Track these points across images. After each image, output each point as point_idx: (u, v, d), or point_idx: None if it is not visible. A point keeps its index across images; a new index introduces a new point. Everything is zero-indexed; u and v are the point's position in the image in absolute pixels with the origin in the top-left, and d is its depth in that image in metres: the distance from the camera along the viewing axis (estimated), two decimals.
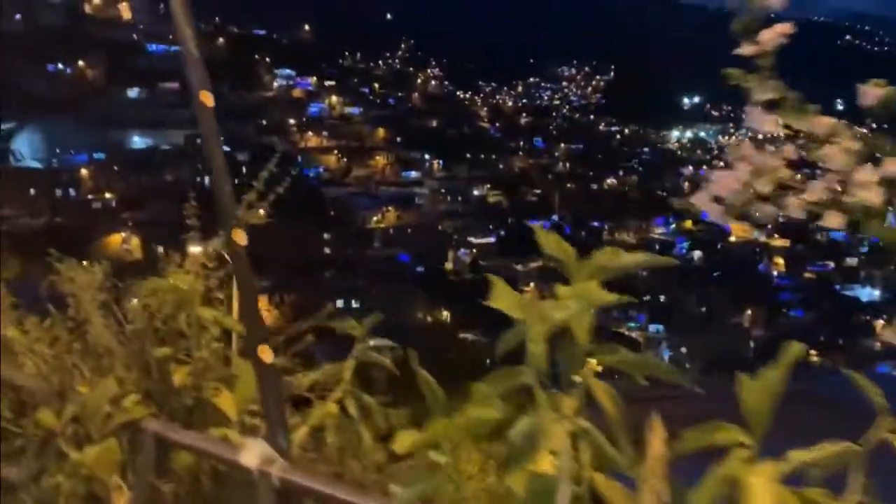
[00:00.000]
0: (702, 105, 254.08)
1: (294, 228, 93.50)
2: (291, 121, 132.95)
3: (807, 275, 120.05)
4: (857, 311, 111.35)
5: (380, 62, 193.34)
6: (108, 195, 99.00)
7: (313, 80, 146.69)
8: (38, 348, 4.00)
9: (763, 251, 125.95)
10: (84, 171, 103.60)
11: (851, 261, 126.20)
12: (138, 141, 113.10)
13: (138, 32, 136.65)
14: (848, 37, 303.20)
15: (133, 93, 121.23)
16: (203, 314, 3.94)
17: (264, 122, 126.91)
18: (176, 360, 3.94)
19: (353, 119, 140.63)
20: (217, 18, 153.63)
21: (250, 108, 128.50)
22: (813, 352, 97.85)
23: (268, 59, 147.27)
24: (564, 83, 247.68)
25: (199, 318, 3.95)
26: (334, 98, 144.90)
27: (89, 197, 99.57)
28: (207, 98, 2.87)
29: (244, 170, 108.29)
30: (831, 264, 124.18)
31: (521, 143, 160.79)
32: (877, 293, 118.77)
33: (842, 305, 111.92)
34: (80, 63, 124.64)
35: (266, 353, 2.62)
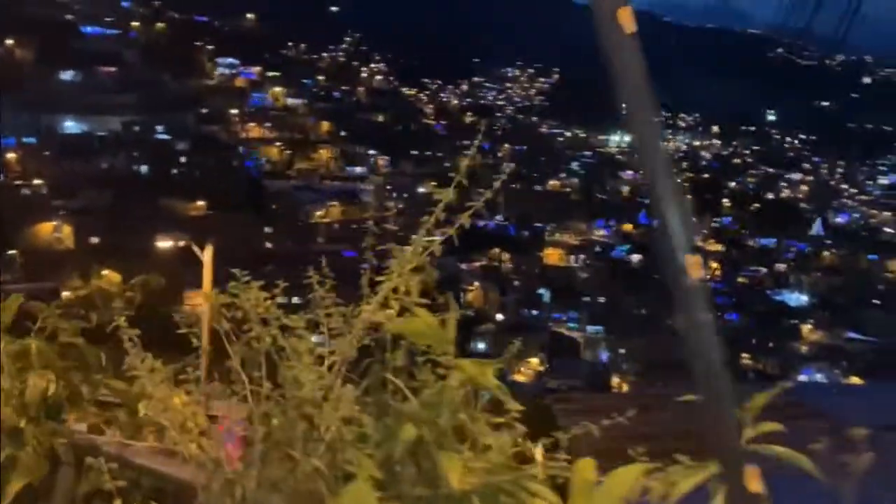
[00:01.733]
0: None
1: (234, 221, 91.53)
2: (233, 111, 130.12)
3: (740, 280, 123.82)
4: (786, 316, 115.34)
5: (324, 55, 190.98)
6: (38, 181, 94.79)
7: (257, 69, 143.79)
8: None
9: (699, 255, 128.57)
10: (12, 156, 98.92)
11: (780, 267, 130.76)
12: (72, 126, 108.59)
13: (73, 13, 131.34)
14: (779, 49, 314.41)
15: (67, 76, 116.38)
16: None
17: (205, 112, 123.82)
18: None
19: (296, 111, 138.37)
20: (157, 2, 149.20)
21: (191, 97, 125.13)
22: (746, 355, 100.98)
23: (210, 47, 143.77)
24: (508, 84, 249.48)
25: None
26: (278, 89, 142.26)
27: (17, 183, 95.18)
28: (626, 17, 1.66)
29: (183, 159, 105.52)
30: (763, 270, 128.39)
31: (466, 141, 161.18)
32: (804, 298, 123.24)
33: (772, 310, 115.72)
34: (9, 42, 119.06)
35: None
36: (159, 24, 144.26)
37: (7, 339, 3.57)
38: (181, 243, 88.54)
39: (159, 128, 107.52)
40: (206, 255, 13.85)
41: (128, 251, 78.32)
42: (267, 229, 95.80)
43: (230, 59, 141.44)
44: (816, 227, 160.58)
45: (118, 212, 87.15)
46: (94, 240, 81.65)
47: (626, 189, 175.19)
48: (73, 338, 3.76)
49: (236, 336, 2.67)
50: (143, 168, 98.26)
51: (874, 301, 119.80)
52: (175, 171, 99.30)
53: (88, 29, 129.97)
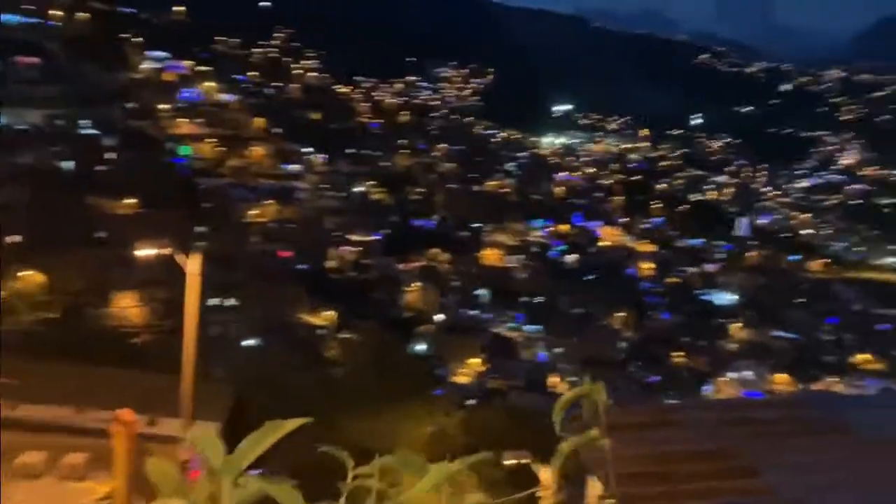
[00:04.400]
0: (572, 113, 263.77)
1: (165, 220, 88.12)
2: (163, 105, 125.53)
3: (671, 279, 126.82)
4: (715, 315, 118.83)
5: (256, 50, 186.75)
6: None
7: (187, 63, 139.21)
8: None
9: (632, 256, 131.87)
10: None
11: (710, 267, 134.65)
12: None
13: None
14: (704, 56, 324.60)
15: None
16: None
17: (133, 106, 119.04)
18: None
19: (229, 107, 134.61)
20: None
21: (118, 90, 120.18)
22: (677, 353, 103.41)
23: (137, 39, 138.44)
24: (443, 84, 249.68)
25: None
26: (209, 84, 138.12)
27: None
28: None
29: (111, 155, 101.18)
30: (693, 270, 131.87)
31: (403, 140, 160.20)
32: (732, 297, 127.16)
33: (702, 309, 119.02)
34: None
35: None
36: (82, 14, 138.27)
37: None
38: (107, 243, 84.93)
39: (84, 122, 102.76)
40: (192, 265, 12.59)
41: (51, 251, 74.54)
42: (199, 228, 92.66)
43: (159, 53, 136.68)
44: (743, 228, 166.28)
45: (40, 209, 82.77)
46: (14, 238, 77.26)
47: (560, 190, 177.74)
48: None
49: None
50: (68, 164, 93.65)
51: (797, 300, 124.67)
52: (102, 167, 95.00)
53: (5, 17, 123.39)
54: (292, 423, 1.40)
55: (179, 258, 12.72)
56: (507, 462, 14.52)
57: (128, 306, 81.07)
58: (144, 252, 12.51)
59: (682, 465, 6.24)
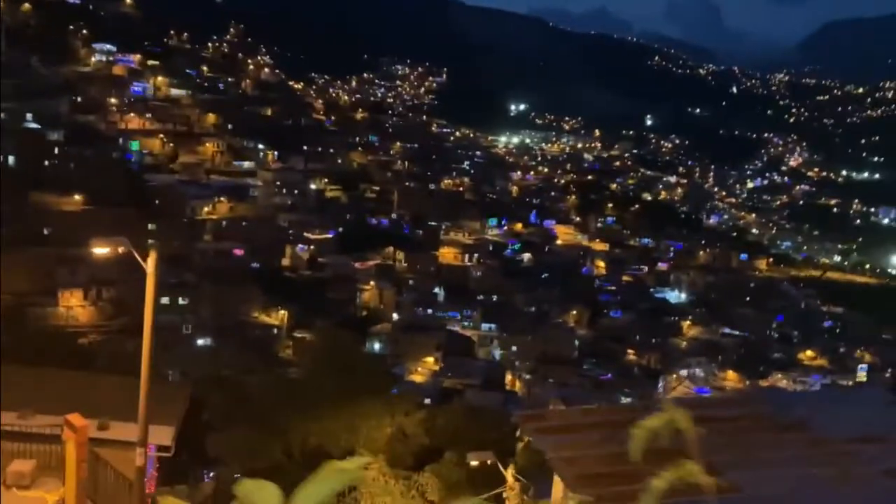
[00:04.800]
0: (527, 113, 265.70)
1: (113, 217, 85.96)
2: (111, 100, 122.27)
3: (624, 278, 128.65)
4: (667, 313, 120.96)
5: (208, 44, 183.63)
6: None
7: (136, 57, 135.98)
8: None
9: (587, 254, 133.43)
10: None
11: (663, 265, 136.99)
12: None
13: None
14: (657, 57, 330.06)
15: None
16: None
17: (80, 100, 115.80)
18: None
19: (180, 102, 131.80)
20: None
21: (64, 84, 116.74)
22: (630, 351, 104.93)
23: (84, 32, 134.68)
24: (398, 82, 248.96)
25: None
26: (159, 78, 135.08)
27: None
28: None
29: (56, 150, 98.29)
30: (645, 268, 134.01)
31: (358, 138, 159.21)
32: (683, 296, 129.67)
33: (654, 307, 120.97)
34: None
35: None
36: (26, 5, 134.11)
37: None
38: (53, 241, 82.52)
39: (28, 116, 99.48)
40: (150, 264, 12.21)
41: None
42: (150, 226, 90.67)
43: (107, 46, 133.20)
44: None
45: None
46: None
47: (515, 189, 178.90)
48: None
49: None
50: (10, 159, 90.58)
51: (746, 298, 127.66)
52: (47, 162, 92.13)
53: None
54: (354, 463, 1.34)
55: (137, 257, 12.32)
56: (471, 462, 14.49)
57: (74, 305, 78.95)
58: (100, 250, 12.07)
59: (641, 466, 6.26)
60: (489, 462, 14.07)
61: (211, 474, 21.86)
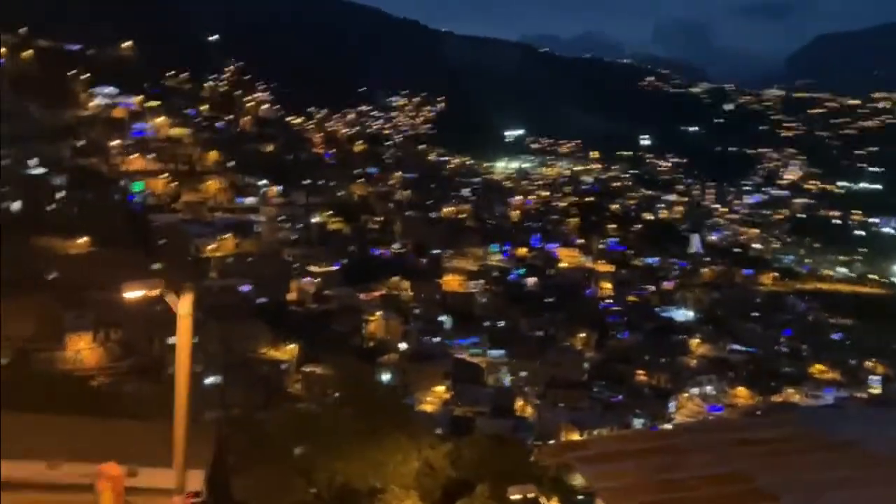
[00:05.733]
0: (523, 138, 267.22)
1: (118, 258, 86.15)
2: (113, 142, 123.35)
3: (630, 298, 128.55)
4: (674, 331, 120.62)
5: (206, 83, 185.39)
6: None
7: (136, 99, 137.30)
8: None
9: (591, 276, 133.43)
10: None
11: (668, 284, 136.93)
12: None
13: None
14: (649, 78, 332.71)
15: None
16: None
17: (82, 143, 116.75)
18: None
19: (181, 141, 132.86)
20: (23, 30, 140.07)
21: (66, 128, 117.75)
22: (640, 371, 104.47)
23: (84, 76, 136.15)
24: (395, 112, 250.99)
25: None
26: (160, 119, 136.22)
27: None
28: None
29: (61, 194, 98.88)
30: (651, 288, 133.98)
31: (358, 170, 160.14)
32: (690, 314, 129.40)
33: (661, 326, 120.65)
34: None
35: None
36: (27, 52, 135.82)
37: None
38: (59, 284, 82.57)
39: (32, 161, 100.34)
40: (184, 306, 12.22)
41: (1, 294, 72.08)
42: (155, 266, 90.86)
43: (107, 89, 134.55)
44: (695, 245, 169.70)
45: None
46: None
47: (515, 214, 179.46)
48: None
49: None
50: (15, 204, 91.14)
51: (752, 313, 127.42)
52: (51, 206, 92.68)
53: None
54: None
55: (170, 299, 12.35)
56: (513, 497, 14.43)
57: (82, 349, 78.85)
58: (133, 294, 12.06)
59: (695, 492, 6.18)
60: (530, 495, 14.05)
61: None
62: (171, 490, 14.34)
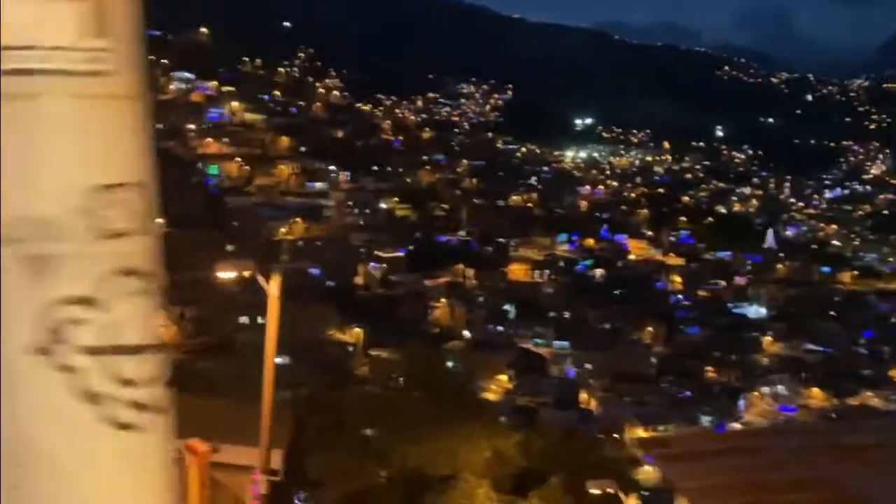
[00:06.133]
0: (594, 126, 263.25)
1: (195, 240, 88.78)
2: (190, 126, 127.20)
3: (701, 293, 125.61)
4: (747, 328, 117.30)
5: (279, 69, 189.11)
6: None
7: (212, 84, 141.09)
8: None
9: (661, 269, 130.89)
10: None
11: (740, 280, 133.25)
12: None
13: None
14: (726, 67, 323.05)
15: None
16: None
17: (161, 127, 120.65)
18: None
19: (255, 126, 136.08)
20: None
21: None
22: (709, 368, 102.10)
23: (164, 61, 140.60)
24: (463, 100, 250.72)
25: None
26: (235, 104, 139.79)
27: None
28: None
29: None
30: (722, 283, 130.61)
31: (426, 157, 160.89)
32: (763, 311, 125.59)
33: (733, 323, 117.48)
34: None
35: None
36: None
37: None
38: None
39: None
40: (273, 287, 12.48)
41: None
42: (229, 247, 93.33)
43: (185, 74, 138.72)
44: (769, 240, 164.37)
45: None
46: None
47: (584, 204, 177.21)
48: None
49: None
50: None
51: (829, 312, 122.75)
52: None
53: None
54: None
55: (261, 280, 12.66)
56: (592, 491, 14.28)
57: (159, 326, 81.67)
58: (225, 274, 12.44)
59: (781, 496, 5.95)
60: (609, 491, 13.86)
61: (303, 496, 22.08)
62: (251, 467, 14.71)
